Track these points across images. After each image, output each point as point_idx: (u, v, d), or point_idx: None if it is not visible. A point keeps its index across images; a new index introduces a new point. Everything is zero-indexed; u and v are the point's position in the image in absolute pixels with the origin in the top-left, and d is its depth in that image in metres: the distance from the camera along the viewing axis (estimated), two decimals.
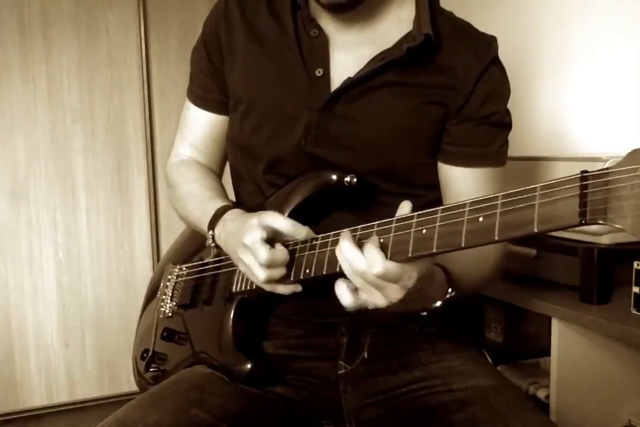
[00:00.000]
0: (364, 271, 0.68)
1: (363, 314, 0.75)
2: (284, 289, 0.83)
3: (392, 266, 0.67)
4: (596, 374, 1.23)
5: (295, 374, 0.94)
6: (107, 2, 2.32)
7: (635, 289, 1.11)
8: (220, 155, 1.08)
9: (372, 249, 0.68)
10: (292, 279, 0.81)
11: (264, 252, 0.78)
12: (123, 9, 2.34)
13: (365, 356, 0.93)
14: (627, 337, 1.06)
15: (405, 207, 0.70)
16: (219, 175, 1.10)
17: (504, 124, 0.93)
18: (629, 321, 1.08)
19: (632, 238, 0.68)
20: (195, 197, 1.00)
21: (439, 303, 0.80)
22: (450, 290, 0.82)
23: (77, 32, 2.30)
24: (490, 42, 0.91)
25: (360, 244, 0.70)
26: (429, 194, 0.94)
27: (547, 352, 1.22)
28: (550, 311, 1.19)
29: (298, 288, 0.83)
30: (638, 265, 1.09)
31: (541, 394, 1.36)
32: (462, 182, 0.92)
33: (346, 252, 0.70)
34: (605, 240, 1.19)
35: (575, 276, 1.22)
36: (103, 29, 2.33)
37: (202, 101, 1.04)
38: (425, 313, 0.82)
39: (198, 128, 1.05)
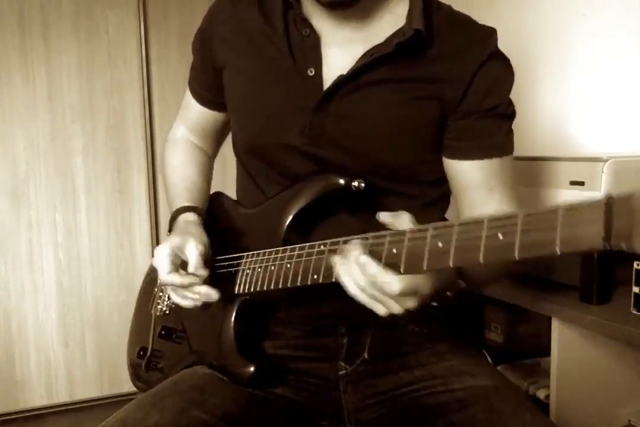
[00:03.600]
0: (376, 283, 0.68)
1: (362, 314, 0.74)
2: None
3: (407, 285, 0.67)
4: (596, 374, 1.23)
5: (296, 375, 0.94)
6: (107, 2, 2.32)
7: (635, 289, 1.11)
8: (210, 139, 1.13)
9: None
10: (298, 284, 0.80)
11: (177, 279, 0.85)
12: (123, 9, 2.34)
13: (366, 356, 0.93)
14: (627, 337, 1.06)
15: (404, 219, 0.70)
16: (212, 155, 1.15)
17: (508, 114, 0.90)
18: (629, 321, 1.08)
19: None
20: (170, 184, 1.07)
21: (449, 293, 0.80)
22: (460, 281, 0.81)
23: (77, 32, 2.29)
24: (489, 34, 0.89)
25: (371, 251, 0.70)
26: (431, 192, 0.93)
27: (547, 352, 1.22)
28: (550, 311, 1.19)
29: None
30: (638, 265, 1.09)
31: (541, 394, 1.36)
32: (470, 175, 0.90)
33: (365, 265, 0.69)
34: None
35: (575, 276, 1.22)
36: (103, 29, 2.33)
37: (195, 94, 1.07)
38: (435, 303, 0.82)
39: (191, 114, 1.10)
